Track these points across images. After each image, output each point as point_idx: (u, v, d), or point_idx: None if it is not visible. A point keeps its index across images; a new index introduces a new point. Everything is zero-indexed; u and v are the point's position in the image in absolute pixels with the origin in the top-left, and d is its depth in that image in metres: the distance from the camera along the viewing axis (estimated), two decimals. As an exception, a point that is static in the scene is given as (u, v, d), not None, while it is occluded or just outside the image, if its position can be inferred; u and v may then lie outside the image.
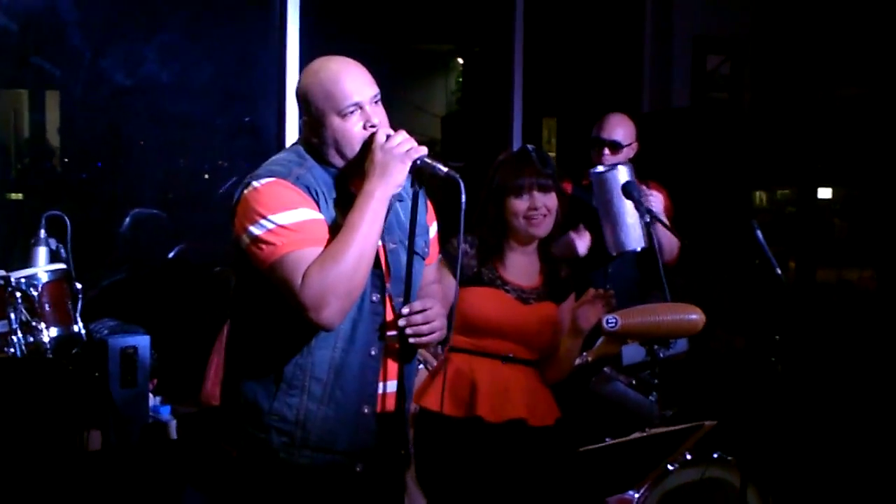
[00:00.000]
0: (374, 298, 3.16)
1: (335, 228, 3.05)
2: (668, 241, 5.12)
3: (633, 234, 4.95)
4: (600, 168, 5.03)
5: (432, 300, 3.23)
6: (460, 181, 3.07)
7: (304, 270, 2.93)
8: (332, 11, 6.37)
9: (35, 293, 3.79)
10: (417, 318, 3.15)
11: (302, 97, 3.17)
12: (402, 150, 3.05)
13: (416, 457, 4.02)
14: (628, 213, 4.92)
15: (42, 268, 3.88)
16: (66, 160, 5.82)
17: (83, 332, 3.95)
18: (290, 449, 3.12)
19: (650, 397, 4.58)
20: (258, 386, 3.13)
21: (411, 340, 3.16)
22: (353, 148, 3.12)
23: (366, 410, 3.19)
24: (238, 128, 6.07)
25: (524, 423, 4.07)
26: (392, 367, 3.24)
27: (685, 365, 4.87)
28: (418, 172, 3.13)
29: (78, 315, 3.99)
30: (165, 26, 5.79)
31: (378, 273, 3.15)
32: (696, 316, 4.39)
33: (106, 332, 4.68)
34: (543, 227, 4.07)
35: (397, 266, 3.24)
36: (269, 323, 3.11)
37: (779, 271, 4.20)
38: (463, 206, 3.09)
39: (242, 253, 3.05)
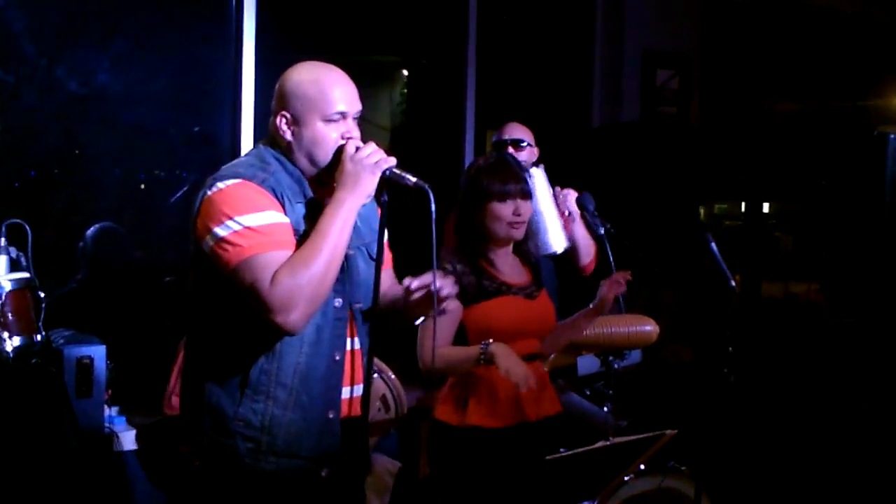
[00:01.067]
0: (337, 304, 3.18)
1: (298, 234, 3.08)
2: (587, 244, 5.19)
3: (554, 237, 4.97)
4: None
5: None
6: (429, 191, 3.09)
7: (274, 273, 2.94)
8: (289, 21, 6.37)
9: (-1, 302, 3.77)
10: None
11: (287, 92, 3.18)
12: (371, 161, 3.08)
13: (465, 474, 4.05)
14: (548, 215, 4.95)
15: (4, 276, 3.85)
16: (22, 169, 5.77)
17: (45, 341, 3.91)
18: (255, 455, 3.13)
19: (604, 408, 4.62)
20: (222, 392, 3.12)
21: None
22: (326, 154, 3.16)
23: (331, 416, 3.21)
24: (192, 137, 6.06)
25: (552, 418, 4.18)
26: (356, 372, 3.27)
27: (639, 376, 4.92)
28: (387, 183, 3.14)
29: (40, 324, 3.96)
30: (120, 35, 5.77)
31: (340, 279, 3.16)
32: (650, 327, 4.45)
33: (61, 341, 4.66)
34: (520, 231, 4.14)
35: (356, 271, 3.27)
36: (234, 328, 3.11)
37: (733, 283, 4.25)
38: (433, 215, 3.08)
39: (204, 255, 3.05)
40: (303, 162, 3.18)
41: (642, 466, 4.41)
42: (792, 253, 8.94)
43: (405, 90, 8.11)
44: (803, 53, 8.62)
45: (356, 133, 3.19)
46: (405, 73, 8.15)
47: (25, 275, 3.84)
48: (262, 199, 3.05)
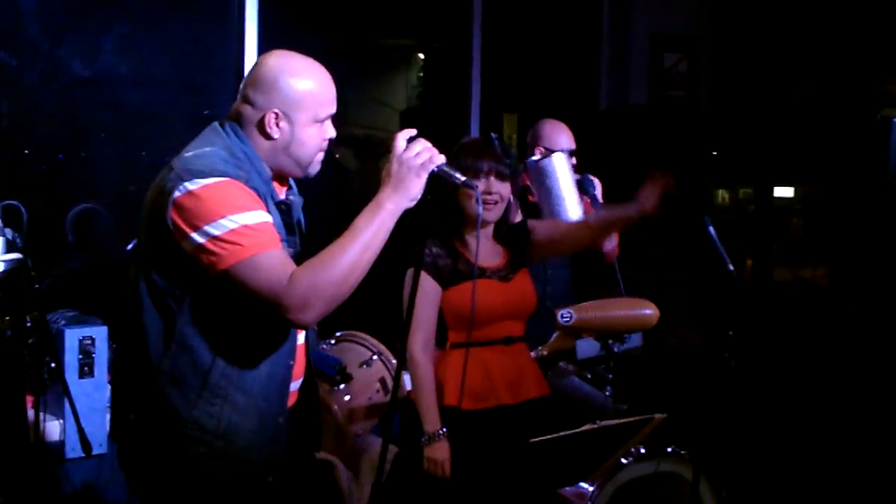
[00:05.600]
0: None
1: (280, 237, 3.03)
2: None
3: (570, 207, 4.95)
4: (536, 156, 5.03)
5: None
6: (476, 189, 3.09)
7: (293, 271, 2.87)
8: (291, 4, 6.38)
9: (-9, 283, 3.78)
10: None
11: (279, 88, 3.10)
12: (418, 163, 2.99)
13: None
14: (567, 189, 4.92)
15: (-1, 257, 3.87)
16: (26, 151, 5.79)
17: (39, 321, 3.92)
18: (206, 458, 3.06)
19: (605, 391, 4.61)
20: (177, 393, 3.03)
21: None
22: (308, 155, 3.14)
23: (280, 421, 3.18)
24: (195, 120, 6.07)
25: (535, 401, 4.19)
26: (302, 364, 3.28)
27: (639, 360, 4.91)
28: (433, 181, 3.05)
29: (34, 305, 3.97)
30: (123, 17, 5.78)
31: None
32: (650, 311, 4.42)
33: (64, 322, 4.68)
34: (494, 213, 4.12)
35: None
36: (199, 331, 3.02)
37: (731, 267, 4.23)
38: (479, 216, 3.20)
39: (181, 254, 2.94)
40: (283, 160, 3.13)
41: (642, 450, 4.41)
42: (802, 237, 8.89)
43: (421, 73, 8.12)
44: (816, 36, 8.55)
45: (332, 133, 3.17)
46: (421, 56, 8.16)
47: (18, 256, 3.84)
48: (251, 199, 2.96)
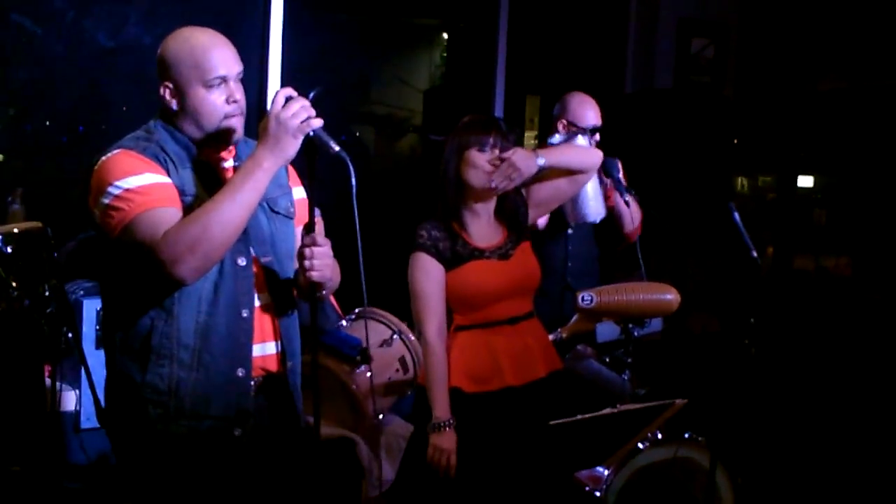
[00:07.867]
0: (241, 262, 3.15)
1: (186, 195, 3.05)
2: (630, 212, 5.14)
3: (593, 206, 4.93)
4: (557, 138, 5.00)
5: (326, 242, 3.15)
6: (349, 161, 3.01)
7: (166, 227, 2.90)
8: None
9: (10, 251, 3.78)
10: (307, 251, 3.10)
11: (168, 61, 3.11)
12: (296, 123, 2.96)
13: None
14: (588, 184, 4.90)
15: (16, 226, 3.87)
16: (48, 122, 5.78)
17: (58, 291, 3.92)
18: (166, 420, 3.09)
19: (623, 375, 4.59)
20: (130, 360, 3.10)
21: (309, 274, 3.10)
22: (211, 120, 3.10)
23: (240, 373, 3.16)
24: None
25: (542, 381, 4.10)
26: (270, 328, 3.25)
27: (659, 344, 4.88)
28: (309, 145, 3.03)
29: (52, 275, 3.97)
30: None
31: (240, 237, 3.08)
32: (671, 296, 4.39)
33: (81, 292, 4.68)
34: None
35: (257, 228, 3.21)
36: (131, 295, 3.07)
37: (754, 254, 4.20)
38: (353, 188, 3.00)
39: (99, 228, 3.02)
40: (191, 129, 3.13)
41: (659, 435, 4.38)
42: (824, 226, 8.85)
43: (445, 53, 8.09)
44: (843, 27, 8.49)
45: (239, 95, 3.11)
46: (445, 36, 8.13)
47: (38, 224, 3.85)
48: (139, 163, 3.01)
